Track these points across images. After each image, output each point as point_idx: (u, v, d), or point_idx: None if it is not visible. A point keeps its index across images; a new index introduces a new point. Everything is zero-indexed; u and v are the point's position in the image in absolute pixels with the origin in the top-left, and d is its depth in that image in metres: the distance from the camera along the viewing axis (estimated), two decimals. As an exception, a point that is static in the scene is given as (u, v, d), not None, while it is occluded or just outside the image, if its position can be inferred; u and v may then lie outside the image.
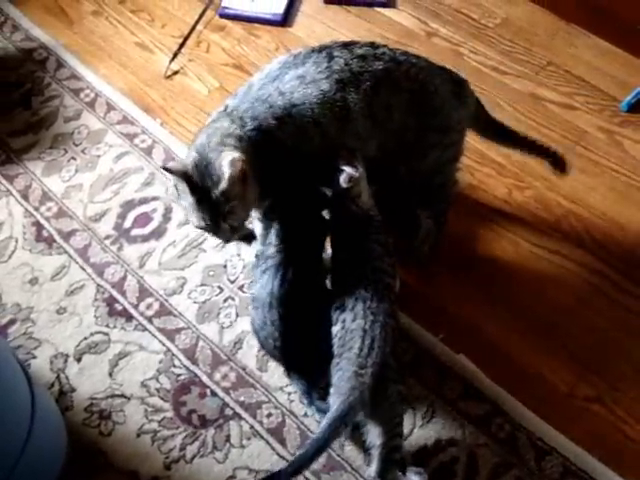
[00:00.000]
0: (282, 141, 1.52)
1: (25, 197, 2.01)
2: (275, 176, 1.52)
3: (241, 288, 1.81)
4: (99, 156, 2.08)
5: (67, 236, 1.93)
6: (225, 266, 1.85)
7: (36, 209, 1.99)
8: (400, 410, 1.50)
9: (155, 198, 1.99)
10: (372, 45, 1.57)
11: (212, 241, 1.87)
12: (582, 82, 2.21)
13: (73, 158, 2.09)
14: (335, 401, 1.37)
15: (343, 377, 1.39)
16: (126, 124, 2.15)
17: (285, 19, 2.43)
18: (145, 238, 1.91)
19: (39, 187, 2.03)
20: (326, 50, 1.54)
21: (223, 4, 2.45)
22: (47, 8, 2.52)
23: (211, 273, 1.84)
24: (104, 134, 2.13)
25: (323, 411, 1.48)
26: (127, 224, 1.94)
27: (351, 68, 1.51)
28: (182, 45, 2.33)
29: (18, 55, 2.37)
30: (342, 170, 1.49)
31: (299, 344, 1.52)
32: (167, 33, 2.41)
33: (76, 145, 2.11)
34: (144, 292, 1.82)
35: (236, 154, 1.40)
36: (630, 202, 1.96)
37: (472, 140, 2.01)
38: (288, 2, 2.45)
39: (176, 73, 2.29)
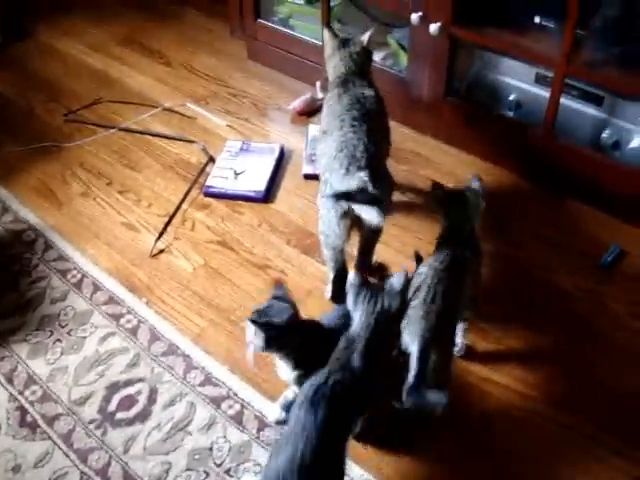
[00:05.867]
0: None
1: (10, 381, 2.00)
2: None
3: (228, 472, 1.77)
4: (85, 337, 2.09)
5: (51, 421, 1.90)
6: (211, 449, 1.82)
7: (20, 393, 1.97)
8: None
9: (140, 379, 1.98)
10: None
11: (197, 423, 1.87)
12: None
13: (59, 340, 2.10)
14: (411, 339, 1.67)
15: (412, 320, 1.69)
16: (112, 304, 2.18)
17: (267, 196, 2.52)
18: (130, 422, 1.89)
19: (24, 370, 2.03)
20: None
21: (207, 183, 2.56)
22: (37, 190, 2.61)
23: (197, 457, 1.81)
24: (90, 315, 2.15)
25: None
26: (112, 407, 1.92)
27: None
28: (168, 224, 2.41)
29: (6, 237, 2.43)
30: None
31: None
32: (153, 212, 2.49)
33: (62, 327, 2.13)
34: (128, 479, 1.78)
35: None
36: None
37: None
38: (269, 179, 2.56)
39: (162, 252, 2.35)
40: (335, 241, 1.96)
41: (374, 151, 1.93)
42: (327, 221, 1.93)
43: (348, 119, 1.98)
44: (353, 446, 1.75)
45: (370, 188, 1.80)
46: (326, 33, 2.28)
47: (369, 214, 1.81)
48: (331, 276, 2.09)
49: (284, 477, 1.43)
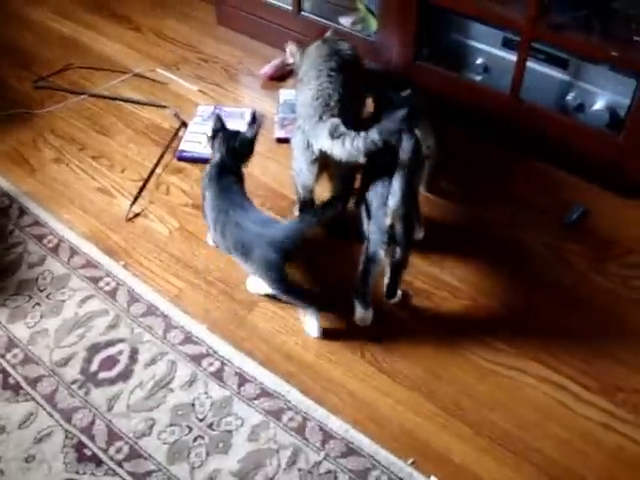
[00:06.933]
0: None
1: (-10, 345, 2.03)
2: None
3: (210, 426, 1.82)
4: (64, 301, 2.12)
5: (34, 382, 1.93)
6: (193, 405, 1.87)
7: (1, 356, 2.00)
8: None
9: (121, 340, 2.02)
10: None
11: (179, 380, 1.91)
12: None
13: (38, 304, 2.12)
14: None
15: None
16: (90, 268, 2.20)
17: (240, 159, 2.54)
18: (112, 381, 1.93)
19: (4, 334, 2.05)
20: None
21: (181, 147, 2.58)
22: (9, 157, 2.60)
23: (180, 412, 1.85)
24: (68, 279, 2.18)
25: None
26: (93, 367, 1.96)
27: None
28: (142, 188, 2.43)
29: (-20, 204, 2.43)
30: None
31: None
32: (127, 177, 2.51)
33: (40, 291, 2.15)
34: (113, 436, 1.82)
35: None
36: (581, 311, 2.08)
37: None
38: (242, 143, 2.58)
39: (137, 216, 2.37)
40: (305, 181, 2.12)
41: (348, 101, 2.04)
42: (299, 163, 2.09)
43: (325, 69, 2.08)
44: (330, 399, 1.84)
45: (342, 128, 1.93)
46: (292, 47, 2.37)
47: (338, 150, 1.92)
48: (297, 207, 2.29)
49: None
